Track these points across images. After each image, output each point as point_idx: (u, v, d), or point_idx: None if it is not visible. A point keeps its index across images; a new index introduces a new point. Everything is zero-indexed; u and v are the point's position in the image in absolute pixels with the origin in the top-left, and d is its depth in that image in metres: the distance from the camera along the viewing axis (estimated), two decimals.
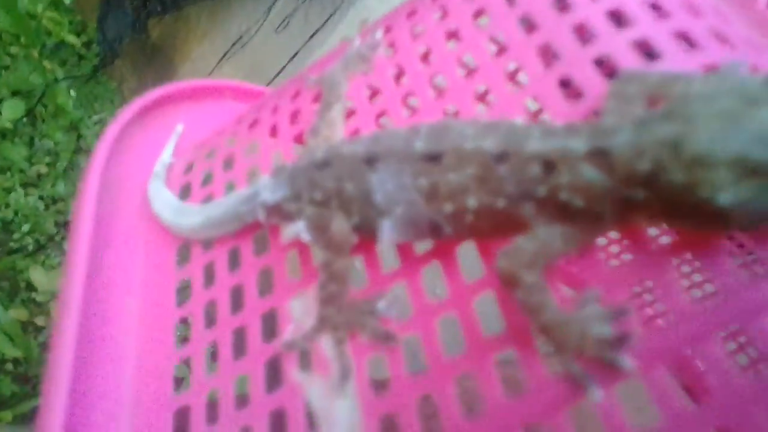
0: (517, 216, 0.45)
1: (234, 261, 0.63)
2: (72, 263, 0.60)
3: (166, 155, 0.76)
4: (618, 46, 0.51)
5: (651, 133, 0.40)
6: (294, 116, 0.68)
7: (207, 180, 0.70)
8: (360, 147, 0.52)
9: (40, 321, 1.88)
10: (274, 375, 0.54)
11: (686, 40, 0.51)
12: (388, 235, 0.51)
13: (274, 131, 0.69)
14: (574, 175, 0.43)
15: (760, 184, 0.37)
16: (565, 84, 0.53)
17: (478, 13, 0.61)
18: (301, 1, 1.95)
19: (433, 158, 0.48)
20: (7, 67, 2.24)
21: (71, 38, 2.29)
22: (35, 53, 2.14)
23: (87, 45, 2.45)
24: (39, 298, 1.87)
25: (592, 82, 0.51)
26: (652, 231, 0.45)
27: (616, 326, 0.42)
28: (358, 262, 0.55)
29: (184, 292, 0.64)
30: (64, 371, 0.53)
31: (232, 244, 0.63)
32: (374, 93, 0.64)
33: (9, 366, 1.79)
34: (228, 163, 0.69)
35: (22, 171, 2.11)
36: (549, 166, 0.43)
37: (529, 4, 0.58)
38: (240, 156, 0.69)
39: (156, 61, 2.43)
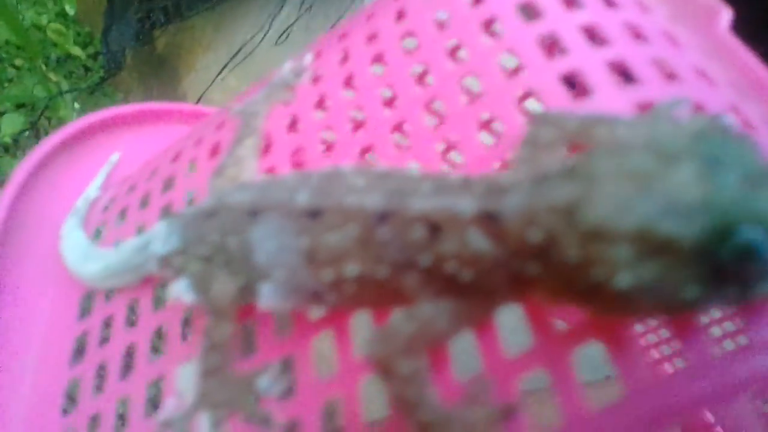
0: (401, 288, 0.38)
1: (131, 317, 0.56)
2: None
3: (93, 189, 0.69)
4: (545, 80, 0.44)
5: (546, 196, 0.32)
6: (214, 150, 0.61)
7: (121, 219, 0.63)
8: (246, 196, 0.45)
9: None
10: None
11: (623, 72, 0.43)
12: (267, 300, 0.44)
13: (193, 165, 0.61)
14: (461, 242, 0.35)
15: (668, 263, 0.28)
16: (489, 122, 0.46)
17: (406, 35, 0.53)
18: (301, 13, 1.90)
19: (314, 215, 0.40)
20: (11, 80, 2.21)
21: (76, 50, 2.24)
22: (40, 65, 2.10)
23: (94, 56, 2.41)
24: None
25: (514, 122, 0.43)
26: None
27: (505, 428, 0.34)
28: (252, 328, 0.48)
29: (81, 348, 0.57)
30: None
31: (132, 296, 0.56)
32: (293, 125, 0.57)
33: None
34: (144, 201, 0.62)
35: None
36: (434, 229, 0.36)
37: (460, 32, 0.50)
38: (156, 193, 0.62)
39: (162, 72, 2.39)
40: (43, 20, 2.16)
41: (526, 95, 0.45)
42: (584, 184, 0.31)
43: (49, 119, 2.17)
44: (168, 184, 0.62)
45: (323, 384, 0.42)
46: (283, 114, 0.57)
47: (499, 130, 0.45)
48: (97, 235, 0.64)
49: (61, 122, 2.11)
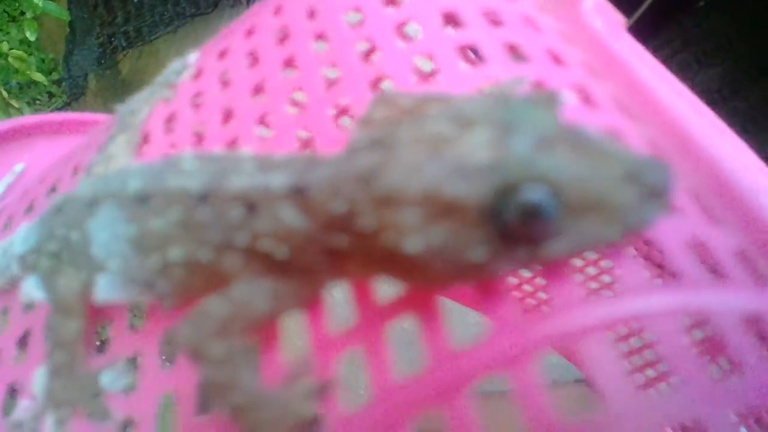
0: (223, 271, 0.36)
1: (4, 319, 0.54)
2: None
3: None
4: (397, 64, 0.43)
5: (350, 166, 0.31)
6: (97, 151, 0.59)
7: (7, 226, 0.61)
8: (87, 187, 0.44)
9: None
10: None
11: (473, 54, 0.42)
12: (104, 293, 0.42)
13: (77, 168, 0.60)
14: (275, 218, 0.34)
15: (455, 225, 0.28)
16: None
17: (281, 28, 0.53)
18: None
19: (142, 200, 0.39)
20: None
21: (39, 76, 2.24)
22: (1, 92, 2.09)
23: (58, 83, 2.41)
24: None
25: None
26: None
27: (318, 405, 0.33)
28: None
29: None
30: None
31: (4, 301, 0.54)
32: (169, 121, 0.55)
33: None
34: (30, 207, 0.61)
35: None
36: (251, 207, 0.34)
37: (323, 18, 0.49)
38: (40, 198, 0.60)
39: (126, 96, 2.38)
40: (4, 47, 2.15)
41: (379, 79, 0.44)
42: (384, 151, 0.30)
43: None
44: (52, 189, 0.60)
45: (162, 378, 0.41)
46: (162, 112, 0.56)
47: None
48: None
49: None
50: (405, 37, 0.45)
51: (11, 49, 2.22)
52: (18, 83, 2.25)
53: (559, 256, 0.29)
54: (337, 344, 0.35)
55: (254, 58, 0.53)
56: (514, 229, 0.27)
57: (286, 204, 0.33)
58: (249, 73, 0.52)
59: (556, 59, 0.43)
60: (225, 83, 0.53)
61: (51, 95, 2.40)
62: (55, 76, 2.39)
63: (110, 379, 0.43)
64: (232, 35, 0.58)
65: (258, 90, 0.51)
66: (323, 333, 0.36)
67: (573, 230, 0.28)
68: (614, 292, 0.30)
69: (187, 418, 0.38)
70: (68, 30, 2.11)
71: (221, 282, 0.37)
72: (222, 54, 0.56)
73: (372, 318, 0.34)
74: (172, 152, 0.53)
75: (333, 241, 0.32)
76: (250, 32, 0.55)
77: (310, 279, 0.35)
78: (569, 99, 0.38)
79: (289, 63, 0.50)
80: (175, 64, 0.61)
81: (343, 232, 0.32)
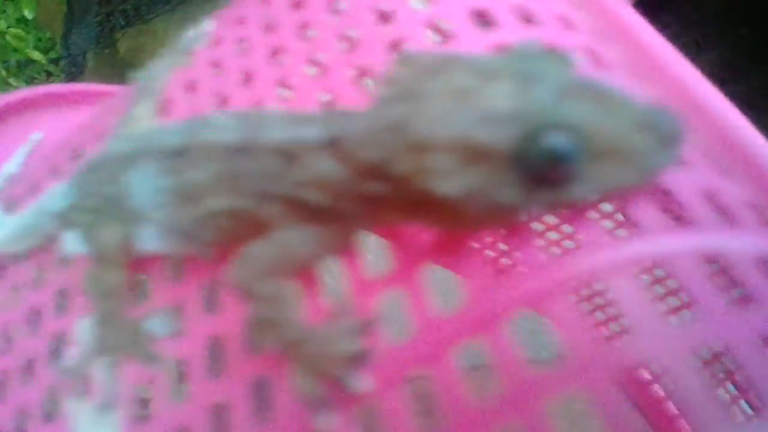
0: (264, 219, 0.39)
1: (39, 278, 0.57)
2: None
3: (13, 165, 0.71)
4: (413, 28, 0.46)
5: (381, 116, 0.34)
6: (118, 116, 0.62)
7: (33, 190, 0.65)
8: (123, 144, 0.47)
9: None
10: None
11: (484, 18, 0.45)
12: (147, 244, 0.45)
13: (101, 134, 0.63)
14: (313, 168, 0.37)
15: (485, 169, 0.31)
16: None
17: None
18: None
19: (180, 154, 0.42)
20: None
21: (37, 55, 2.25)
22: (0, 70, 2.11)
23: (55, 61, 2.42)
24: None
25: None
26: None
27: (364, 341, 0.36)
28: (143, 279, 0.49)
29: None
30: None
31: (39, 258, 0.58)
32: (190, 86, 0.58)
33: None
34: (54, 172, 0.64)
35: None
36: (289, 158, 0.38)
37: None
38: (64, 163, 0.63)
39: (124, 76, 2.40)
40: (2, 25, 2.16)
41: (397, 43, 0.47)
42: (413, 102, 0.33)
43: None
44: (76, 154, 0.63)
45: (209, 322, 0.44)
46: (182, 77, 0.59)
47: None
48: (11, 207, 0.65)
49: None
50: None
51: (9, 27, 2.23)
52: (16, 62, 2.26)
53: (582, 198, 0.32)
54: (376, 286, 0.38)
55: (271, 24, 0.56)
56: (539, 173, 0.30)
57: (323, 154, 0.36)
58: (267, 39, 0.55)
59: (567, 23, 0.46)
60: (244, 49, 0.56)
61: (49, 74, 2.41)
62: (52, 55, 2.39)
63: (156, 325, 0.46)
64: (247, 4, 0.60)
65: (277, 54, 0.54)
66: (361, 275, 0.39)
67: (594, 174, 0.31)
68: (634, 234, 0.33)
69: (235, 355, 0.41)
70: (66, 8, 2.11)
71: (260, 229, 0.40)
72: (239, 21, 0.59)
73: (408, 260, 0.37)
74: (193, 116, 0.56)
75: (368, 188, 0.35)
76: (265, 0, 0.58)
77: (347, 225, 0.38)
78: (580, 60, 0.41)
79: (306, 26, 0.52)
80: (191, 33, 0.63)
81: (377, 179, 0.34)
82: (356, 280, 0.39)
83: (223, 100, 0.55)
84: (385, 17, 0.48)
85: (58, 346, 0.51)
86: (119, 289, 0.48)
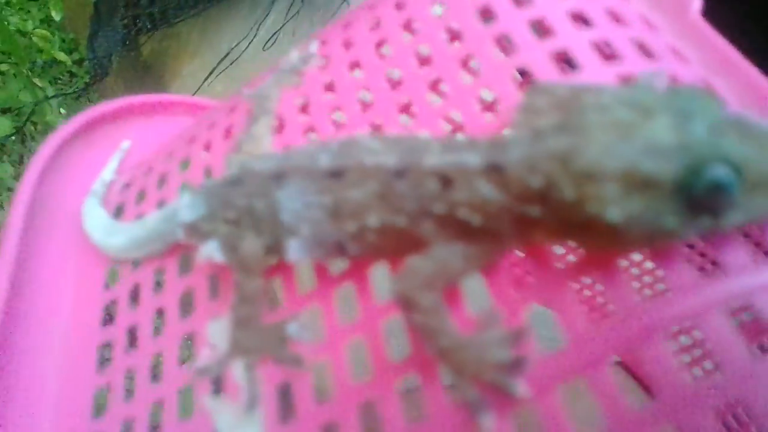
0: (418, 235, 0.43)
1: (159, 283, 0.61)
2: None
3: (108, 172, 0.74)
4: (537, 57, 0.49)
5: (543, 146, 0.38)
6: (228, 131, 0.66)
7: (141, 198, 0.68)
8: (271, 163, 0.50)
9: None
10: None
11: (607, 50, 0.49)
12: (294, 255, 0.49)
13: (208, 146, 0.67)
14: (471, 191, 0.40)
15: (650, 197, 0.35)
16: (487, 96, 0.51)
17: (408, 26, 0.59)
18: (288, 18, 1.94)
19: (336, 175, 0.46)
20: None
21: (62, 56, 2.28)
22: (25, 71, 2.13)
23: (79, 62, 2.45)
24: None
25: (512, 95, 0.49)
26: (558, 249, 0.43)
27: (515, 350, 0.40)
28: (277, 284, 0.53)
29: (110, 314, 0.62)
30: None
31: (158, 264, 0.61)
32: (304, 107, 0.62)
33: None
34: (162, 181, 0.67)
35: (9, 189, 2.10)
36: (446, 182, 0.41)
37: (455, 16, 0.56)
38: (174, 173, 0.67)
39: (147, 78, 2.43)
40: (29, 26, 2.19)
41: (521, 72, 0.50)
42: (576, 134, 0.37)
43: (35, 124, 2.20)
44: (185, 164, 0.67)
45: (346, 329, 0.47)
46: (293, 96, 0.63)
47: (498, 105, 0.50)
48: (117, 214, 0.69)
49: (48, 127, 2.14)
50: (541, 33, 0.51)
51: (35, 28, 2.26)
52: (44, 62, 2.29)
53: (737, 225, 0.36)
54: (523, 299, 0.42)
55: (383, 48, 0.60)
56: (700, 201, 0.34)
57: (482, 179, 0.40)
58: (381, 63, 0.58)
59: (679, 56, 0.50)
60: (358, 71, 0.60)
61: (72, 75, 2.44)
62: (76, 56, 2.43)
63: (296, 330, 0.50)
64: (354, 26, 0.64)
65: (393, 79, 0.57)
66: (507, 289, 0.43)
67: (748, 203, 0.35)
68: (719, 275, 0.37)
69: (380, 360, 0.45)
70: (93, 10, 2.14)
71: (411, 245, 0.44)
72: (347, 44, 0.63)
73: (553, 276, 0.41)
74: (310, 135, 0.60)
75: (525, 210, 0.39)
76: (375, 25, 0.61)
77: (497, 243, 0.42)
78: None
79: (425, 60, 0.56)
80: (295, 53, 0.67)
81: (536, 204, 0.38)
82: (501, 293, 0.43)
83: (338, 125, 0.58)
84: (508, 49, 0.51)
85: (186, 346, 0.55)
86: (257, 295, 0.51)
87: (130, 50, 2.23)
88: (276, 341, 0.50)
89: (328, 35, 0.67)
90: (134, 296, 0.61)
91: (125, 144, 0.78)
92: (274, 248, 0.51)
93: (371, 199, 0.44)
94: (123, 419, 0.54)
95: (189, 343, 0.56)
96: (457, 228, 0.42)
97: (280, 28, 2.00)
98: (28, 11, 2.43)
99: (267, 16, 2.04)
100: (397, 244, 0.45)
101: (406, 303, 0.42)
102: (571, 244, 0.41)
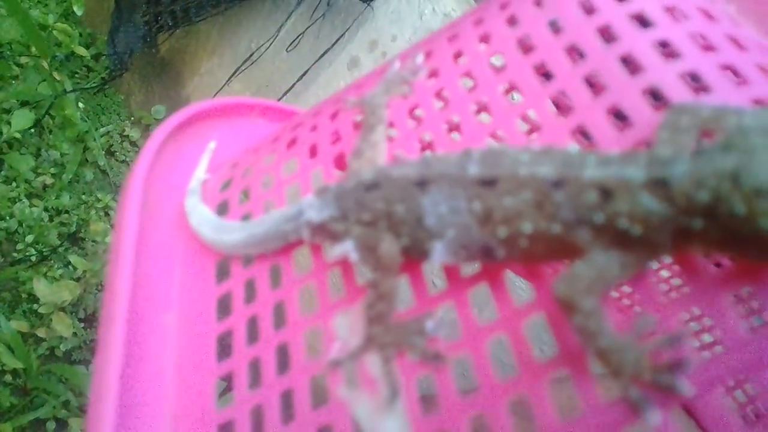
0: (572, 242, 0.47)
1: (275, 278, 0.63)
2: (115, 276, 0.61)
3: (201, 171, 0.77)
4: (667, 77, 0.53)
5: (710, 165, 0.41)
6: (334, 136, 0.69)
7: (244, 197, 0.71)
8: (411, 170, 0.53)
9: (40, 333, 1.88)
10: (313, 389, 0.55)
11: (733, 73, 0.52)
12: (439, 256, 0.52)
13: (313, 151, 0.69)
14: (633, 203, 0.44)
15: None
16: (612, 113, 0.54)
17: (522, 42, 0.62)
18: (313, 21, 1.96)
19: (488, 183, 0.49)
20: (15, 77, 2.24)
21: (81, 50, 2.29)
22: (45, 64, 2.14)
23: (95, 57, 2.46)
24: (41, 309, 1.86)
25: (642, 113, 0.52)
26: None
27: (672, 352, 0.43)
28: (404, 283, 0.56)
29: (222, 307, 0.65)
30: (112, 386, 0.54)
31: (273, 261, 0.64)
32: (414, 116, 0.65)
33: (8, 377, 1.78)
34: (267, 182, 0.70)
35: (27, 181, 2.11)
36: (607, 193, 0.45)
37: (575, 34, 0.59)
38: (278, 175, 0.70)
39: (164, 75, 2.45)
40: (50, 20, 2.20)
41: (649, 91, 0.53)
42: (743, 154, 0.40)
43: (53, 117, 2.21)
44: (289, 168, 0.70)
45: (487, 327, 0.50)
46: (403, 106, 0.66)
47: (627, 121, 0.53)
48: (220, 211, 0.71)
49: (67, 120, 2.14)
50: (667, 54, 0.54)
51: (56, 22, 2.27)
52: (63, 56, 2.30)
53: None
54: (675, 305, 0.45)
55: (494, 61, 0.63)
56: None
57: (645, 192, 0.43)
58: (496, 77, 0.61)
59: None
60: (470, 84, 0.63)
61: (89, 69, 2.45)
62: (92, 50, 2.44)
63: (433, 326, 0.53)
64: (461, 38, 0.67)
65: (511, 90, 0.60)
66: (657, 294, 0.46)
67: None
68: None
69: (525, 356, 0.48)
70: (114, 6, 2.15)
71: (561, 251, 0.47)
72: (457, 56, 0.66)
73: (709, 284, 0.45)
74: (421, 143, 0.63)
75: (688, 223, 0.43)
76: (484, 38, 0.65)
77: (652, 252, 0.46)
78: None
79: (546, 74, 0.59)
80: (397, 64, 0.70)
81: (699, 216, 0.42)
82: (651, 298, 0.46)
83: (453, 130, 0.61)
84: (636, 68, 0.54)
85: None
86: (393, 293, 0.54)
87: (150, 47, 2.24)
88: (414, 337, 0.53)
89: (433, 47, 0.70)
90: (250, 291, 0.64)
91: (212, 144, 0.81)
92: (411, 249, 0.54)
93: (526, 206, 0.47)
94: (251, 407, 0.57)
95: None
96: (614, 237, 0.45)
97: (305, 30, 2.02)
98: (46, 5, 2.45)
99: (288, 17, 2.06)
100: (546, 250, 0.48)
101: (568, 305, 0.45)
102: (724, 255, 0.44)
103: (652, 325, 0.45)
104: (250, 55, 2.04)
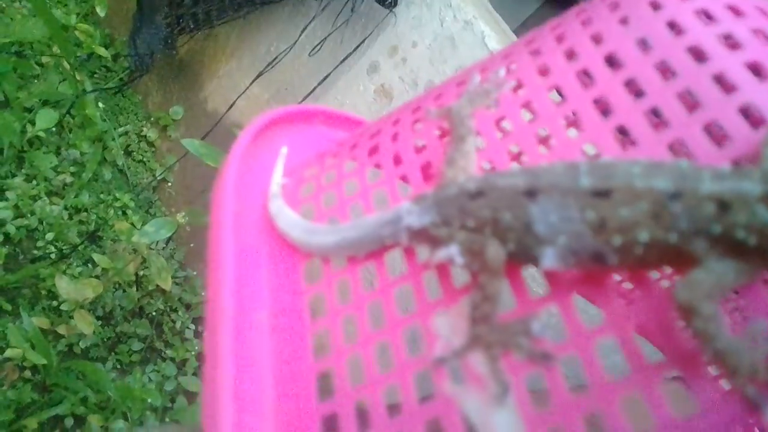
0: (686, 250, 0.50)
1: (368, 279, 0.66)
2: (219, 277, 0.63)
3: (278, 176, 0.79)
4: (761, 96, 0.56)
5: None
6: (421, 146, 0.72)
7: (330, 202, 0.73)
8: (518, 180, 0.56)
9: (61, 330, 1.89)
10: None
11: None
12: (548, 261, 0.55)
13: (397, 159, 0.72)
14: (750, 215, 0.47)
15: None
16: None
17: (609, 57, 0.65)
18: (336, 26, 1.99)
19: (602, 194, 0.52)
20: (37, 77, 2.26)
21: (102, 50, 2.32)
22: (67, 64, 2.16)
23: (115, 58, 2.49)
24: (63, 306, 1.88)
25: (739, 130, 0.55)
26: None
27: None
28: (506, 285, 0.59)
29: (315, 308, 0.67)
30: (227, 381, 0.56)
31: (364, 263, 0.67)
32: (501, 128, 0.68)
33: (27, 373, 1.80)
34: (351, 187, 0.73)
35: (47, 180, 2.13)
36: (724, 206, 0.48)
37: (665, 54, 0.62)
38: (363, 181, 0.72)
39: (183, 77, 2.47)
40: (72, 20, 2.22)
41: (744, 108, 0.56)
42: None
43: (73, 116, 2.22)
44: (375, 175, 0.72)
45: (595, 329, 0.53)
46: (489, 117, 0.69)
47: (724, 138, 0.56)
48: (306, 215, 0.74)
49: (88, 120, 2.16)
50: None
51: (78, 22, 2.29)
52: (86, 56, 2.32)
53: None
54: None
55: (585, 78, 0.66)
56: None
57: (763, 205, 0.47)
58: (584, 92, 0.64)
59: None
60: (559, 97, 0.66)
61: (107, 69, 2.48)
62: (111, 51, 2.46)
63: (539, 327, 0.56)
64: (545, 56, 0.70)
65: (600, 103, 0.63)
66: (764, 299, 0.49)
67: None
68: None
69: (636, 358, 0.51)
70: (136, 7, 2.18)
71: (675, 259, 0.51)
72: (543, 71, 0.68)
73: None
74: (509, 154, 0.66)
75: None
76: (570, 54, 0.67)
77: (764, 260, 0.49)
78: None
79: (637, 91, 0.62)
80: (477, 77, 0.73)
81: None
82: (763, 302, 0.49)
83: (540, 142, 0.64)
84: (728, 87, 0.57)
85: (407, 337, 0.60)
86: (498, 294, 0.57)
87: (170, 49, 2.27)
88: (520, 337, 0.56)
89: (516, 60, 0.73)
90: (343, 292, 0.66)
91: (284, 149, 0.84)
92: (518, 254, 0.57)
93: (643, 216, 0.51)
94: (355, 401, 0.59)
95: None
96: (730, 246, 0.49)
97: (328, 35, 2.04)
98: (66, 5, 2.47)
99: (311, 21, 2.09)
100: (659, 257, 0.51)
101: (688, 310, 0.48)
102: None
103: (765, 329, 0.48)
104: (274, 59, 2.06)
